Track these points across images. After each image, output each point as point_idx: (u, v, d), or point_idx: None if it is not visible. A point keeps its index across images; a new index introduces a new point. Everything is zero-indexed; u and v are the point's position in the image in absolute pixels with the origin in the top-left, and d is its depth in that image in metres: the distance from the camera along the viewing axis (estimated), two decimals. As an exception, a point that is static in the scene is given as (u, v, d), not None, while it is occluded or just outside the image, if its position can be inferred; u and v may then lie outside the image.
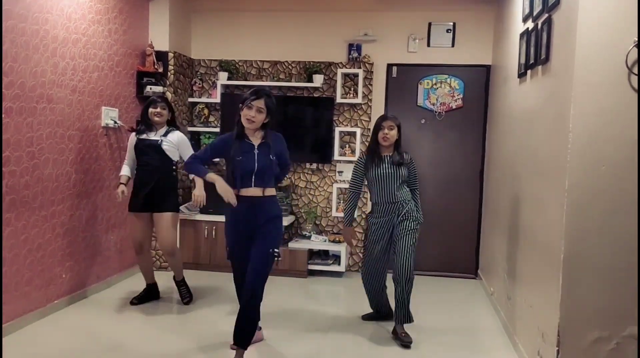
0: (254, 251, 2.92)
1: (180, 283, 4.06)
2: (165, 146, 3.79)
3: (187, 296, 4.03)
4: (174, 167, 3.87)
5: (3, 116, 3.18)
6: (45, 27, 3.51)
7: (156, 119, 3.80)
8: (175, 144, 3.83)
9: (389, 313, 3.71)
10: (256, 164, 2.94)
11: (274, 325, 3.58)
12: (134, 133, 3.88)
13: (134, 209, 3.85)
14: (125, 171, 3.90)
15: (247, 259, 2.94)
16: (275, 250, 2.95)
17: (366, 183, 3.60)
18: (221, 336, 3.32)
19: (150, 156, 3.78)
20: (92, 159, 4.07)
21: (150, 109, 3.80)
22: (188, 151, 3.81)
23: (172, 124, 3.91)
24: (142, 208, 3.81)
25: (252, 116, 2.90)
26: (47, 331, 3.41)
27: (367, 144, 5.12)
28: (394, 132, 3.46)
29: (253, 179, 2.95)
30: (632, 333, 2.47)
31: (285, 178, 3.41)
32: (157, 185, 3.78)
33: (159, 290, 4.10)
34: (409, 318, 3.43)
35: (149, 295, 4.02)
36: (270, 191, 3.02)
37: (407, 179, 3.53)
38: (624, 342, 2.48)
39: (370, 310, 3.81)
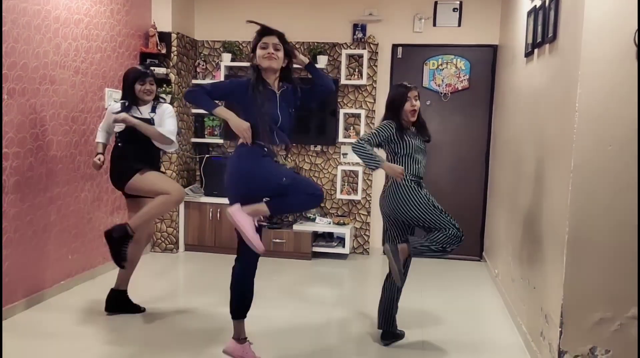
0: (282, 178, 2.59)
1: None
2: (156, 121, 3.30)
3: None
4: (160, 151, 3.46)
5: (6, 96, 3.17)
6: (47, 8, 3.48)
7: (146, 97, 3.30)
8: (159, 116, 3.31)
9: None
10: (280, 117, 2.61)
11: (279, 306, 3.61)
12: (117, 104, 3.36)
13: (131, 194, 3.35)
14: (101, 138, 3.44)
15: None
16: (284, 178, 2.60)
17: (392, 157, 3.06)
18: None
19: (141, 137, 3.24)
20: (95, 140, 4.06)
21: (138, 86, 3.27)
22: (170, 125, 3.29)
23: (156, 100, 3.40)
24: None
25: (271, 52, 2.58)
26: (55, 311, 3.45)
27: (371, 126, 5.08)
28: (419, 103, 3.03)
29: (275, 134, 2.59)
30: (636, 314, 2.46)
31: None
32: (151, 161, 3.37)
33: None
34: None
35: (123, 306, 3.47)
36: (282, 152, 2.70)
37: None
38: (627, 322, 2.47)
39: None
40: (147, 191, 3.25)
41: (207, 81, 5.25)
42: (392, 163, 3.02)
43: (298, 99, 2.75)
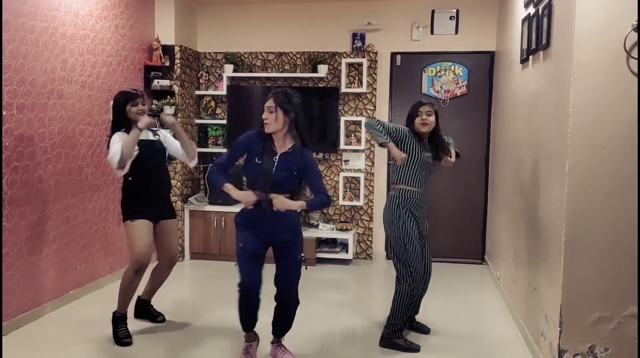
0: (281, 263, 2.84)
1: (149, 303, 3.56)
2: (163, 142, 3.32)
3: (160, 313, 3.55)
4: (168, 169, 3.51)
5: (5, 112, 3.24)
6: (54, 24, 3.58)
7: (138, 118, 3.15)
8: (162, 138, 3.32)
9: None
10: (274, 173, 2.72)
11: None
12: (117, 135, 3.15)
13: (145, 217, 3.21)
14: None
15: (257, 250, 2.79)
16: (302, 254, 2.87)
17: (398, 166, 3.19)
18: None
19: (151, 157, 3.23)
20: (102, 153, 4.15)
21: (131, 108, 3.14)
22: (176, 143, 3.34)
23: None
24: (155, 217, 3.28)
25: (264, 117, 2.71)
26: (64, 321, 3.52)
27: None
28: (432, 119, 3.15)
29: (270, 189, 2.71)
30: (633, 312, 2.51)
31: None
32: (164, 190, 3.35)
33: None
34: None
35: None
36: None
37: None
38: (625, 321, 2.53)
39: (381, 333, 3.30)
40: (172, 237, 3.43)
41: (210, 92, 5.34)
42: (394, 167, 3.20)
43: (304, 162, 2.77)
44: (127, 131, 3.12)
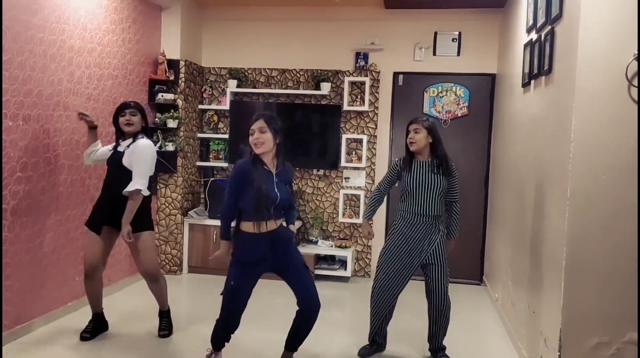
0: (293, 275, 2.89)
1: (163, 314, 3.56)
2: (125, 161, 3.24)
3: (165, 328, 3.52)
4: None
5: (22, 123, 3.29)
6: (62, 37, 3.62)
7: (126, 129, 3.28)
8: (129, 156, 3.24)
9: (383, 344, 3.40)
10: (278, 194, 2.80)
11: (280, 328, 3.65)
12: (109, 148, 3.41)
13: (92, 226, 3.33)
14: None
15: (248, 292, 2.87)
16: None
17: (400, 190, 3.27)
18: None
19: (113, 170, 3.29)
20: (104, 166, 4.16)
21: (120, 118, 3.29)
22: (137, 168, 3.18)
23: (144, 132, 3.38)
24: (104, 223, 3.32)
25: (256, 138, 2.76)
26: (61, 332, 3.50)
27: (373, 151, 5.21)
28: (421, 136, 3.14)
29: (272, 210, 2.79)
30: (632, 338, 2.52)
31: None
32: (118, 202, 3.23)
33: (106, 320, 3.55)
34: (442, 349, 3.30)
35: (98, 326, 3.47)
36: (279, 223, 2.90)
37: (445, 191, 3.17)
38: (624, 347, 2.53)
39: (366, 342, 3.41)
40: (143, 251, 3.41)
41: (213, 106, 5.38)
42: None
43: (291, 174, 3.01)
44: (117, 142, 3.35)
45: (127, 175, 3.21)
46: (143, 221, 3.33)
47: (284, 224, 2.98)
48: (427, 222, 3.16)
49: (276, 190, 2.80)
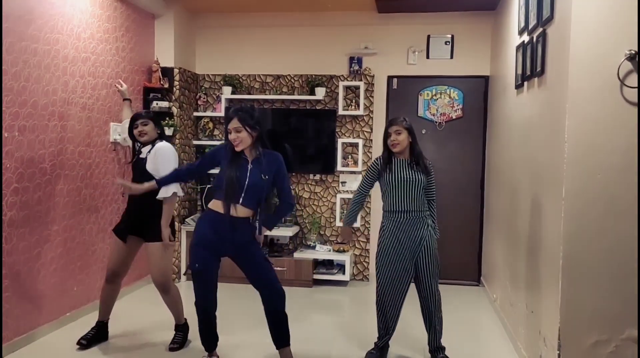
0: (250, 265, 2.96)
1: (179, 328, 3.50)
2: (149, 166, 3.29)
3: (176, 343, 3.44)
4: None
5: (17, 133, 3.29)
6: (56, 47, 3.62)
7: (141, 139, 3.34)
8: (152, 159, 3.28)
9: (387, 347, 3.37)
10: (247, 180, 2.86)
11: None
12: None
13: (119, 234, 3.40)
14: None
15: (213, 275, 2.95)
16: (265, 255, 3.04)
17: (381, 190, 3.34)
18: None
19: (137, 177, 3.33)
20: (101, 174, 4.17)
21: (134, 131, 3.35)
22: (166, 166, 3.24)
23: (161, 138, 3.41)
24: (130, 232, 3.37)
25: (234, 138, 2.82)
26: (60, 343, 3.48)
27: (369, 155, 5.23)
28: (403, 137, 3.19)
29: (242, 196, 2.87)
30: (631, 336, 2.54)
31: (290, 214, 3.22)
32: (143, 211, 3.30)
33: (108, 330, 3.56)
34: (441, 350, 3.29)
35: (99, 334, 3.47)
36: (248, 213, 2.91)
37: (425, 186, 3.25)
38: (622, 344, 2.55)
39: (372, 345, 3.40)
40: (154, 260, 3.41)
41: (208, 113, 5.39)
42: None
43: (275, 167, 2.94)
44: (138, 151, 3.38)
45: (151, 180, 3.22)
46: (155, 230, 3.28)
47: (257, 223, 2.99)
48: (413, 217, 3.20)
49: (248, 177, 2.85)
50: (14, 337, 3.30)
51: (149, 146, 3.34)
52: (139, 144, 3.39)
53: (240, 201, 2.86)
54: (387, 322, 3.25)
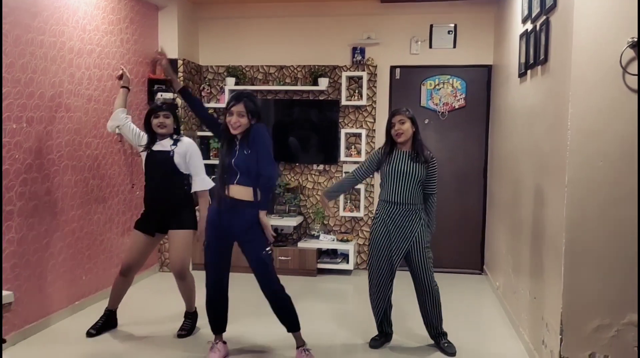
0: (249, 260, 3.02)
1: (188, 315, 3.58)
2: (176, 159, 3.35)
3: (185, 329, 3.51)
4: (185, 182, 3.42)
5: (25, 125, 3.33)
6: (62, 39, 3.65)
7: (160, 131, 3.37)
8: (182, 154, 3.37)
9: (390, 333, 3.46)
10: (233, 159, 2.92)
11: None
12: (145, 138, 3.48)
13: (141, 228, 3.45)
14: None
15: (221, 257, 3.05)
16: (267, 249, 2.99)
17: (380, 178, 3.36)
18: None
19: (162, 172, 3.36)
20: (107, 165, 4.21)
21: (153, 120, 3.37)
22: (198, 167, 3.40)
23: (177, 133, 3.48)
24: (153, 229, 3.44)
25: (235, 121, 2.87)
26: (69, 331, 3.55)
27: (372, 145, 5.26)
28: (407, 126, 3.18)
29: (235, 177, 2.91)
30: (632, 320, 2.58)
31: (276, 186, 3.23)
32: (169, 204, 3.40)
33: (117, 318, 3.62)
34: (443, 335, 3.36)
35: (108, 323, 3.53)
36: (248, 195, 2.92)
37: (422, 180, 3.22)
38: (624, 329, 2.59)
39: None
40: (175, 247, 3.50)
41: (212, 104, 5.41)
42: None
43: (253, 134, 2.93)
44: (152, 142, 3.40)
45: (179, 177, 3.38)
46: (180, 219, 3.41)
47: (257, 202, 2.96)
48: (405, 210, 3.22)
49: (234, 156, 2.92)
50: (25, 325, 3.36)
51: (168, 140, 3.40)
52: (153, 136, 3.41)
53: (235, 181, 2.92)
54: (377, 307, 3.33)
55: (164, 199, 3.40)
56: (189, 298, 3.57)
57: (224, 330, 3.20)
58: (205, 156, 5.44)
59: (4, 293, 2.64)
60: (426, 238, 3.27)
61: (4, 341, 2.72)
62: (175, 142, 3.41)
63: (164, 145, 3.40)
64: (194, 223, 3.47)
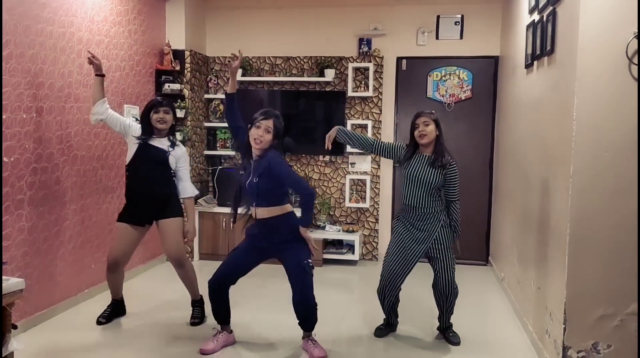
0: (288, 268, 3.00)
1: (196, 303, 3.61)
2: (170, 159, 3.42)
3: (197, 317, 3.55)
4: (172, 174, 3.46)
5: (35, 115, 3.37)
6: (71, 30, 3.68)
7: (159, 126, 3.38)
8: (176, 158, 3.45)
9: (396, 324, 3.49)
10: (250, 180, 2.90)
11: (290, 311, 3.75)
12: (138, 129, 3.44)
13: (126, 220, 3.43)
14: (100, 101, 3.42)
15: (241, 265, 3.07)
16: (309, 260, 2.98)
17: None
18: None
19: (154, 166, 3.39)
20: (116, 155, 4.25)
21: (153, 115, 3.37)
22: (187, 174, 3.51)
23: (172, 131, 3.51)
24: (139, 220, 3.44)
25: (260, 134, 2.86)
26: (79, 318, 3.61)
27: (378, 136, 5.27)
28: (431, 128, 3.13)
29: (254, 198, 2.94)
30: (636, 310, 2.60)
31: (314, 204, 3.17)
32: (160, 194, 3.43)
33: (125, 305, 3.69)
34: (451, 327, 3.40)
35: (116, 311, 3.60)
36: (277, 211, 2.94)
37: (440, 186, 3.15)
38: (627, 318, 2.61)
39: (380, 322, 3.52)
40: (170, 236, 3.53)
41: (219, 95, 5.44)
42: None
43: (267, 162, 2.89)
44: (149, 137, 3.39)
45: (168, 171, 3.43)
46: (171, 207, 3.45)
47: (293, 215, 3.02)
48: (422, 213, 3.17)
49: (253, 179, 2.90)
50: (35, 312, 3.42)
51: (166, 141, 3.43)
52: (149, 130, 3.39)
53: (255, 204, 2.96)
54: (384, 301, 3.33)
55: (154, 190, 3.40)
56: (192, 286, 3.58)
57: (228, 323, 3.22)
58: (212, 147, 5.50)
59: (16, 280, 2.69)
60: (449, 240, 3.20)
61: (15, 327, 2.77)
62: (173, 145, 3.45)
63: (161, 143, 3.41)
64: (182, 211, 3.53)
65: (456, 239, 3.27)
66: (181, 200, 3.51)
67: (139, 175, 3.41)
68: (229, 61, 3.25)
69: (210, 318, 3.59)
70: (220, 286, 3.09)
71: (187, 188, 3.51)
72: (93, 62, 3.36)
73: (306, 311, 3.04)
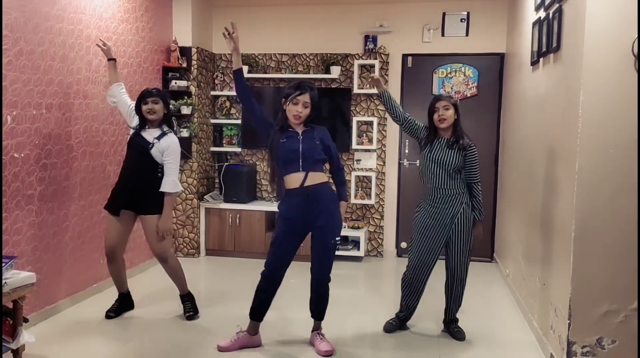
0: (317, 245, 3.04)
1: (185, 298, 3.62)
2: (153, 151, 3.35)
3: (190, 311, 3.59)
4: (159, 169, 3.40)
5: (44, 111, 3.41)
6: (80, 27, 3.72)
7: (149, 117, 3.35)
8: (161, 150, 3.36)
9: (407, 317, 3.50)
10: (301, 146, 2.92)
11: (296, 308, 3.78)
12: (136, 120, 3.43)
13: (111, 209, 3.45)
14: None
15: (289, 252, 3.04)
16: (337, 238, 3.04)
17: (419, 167, 3.38)
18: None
19: (137, 156, 3.38)
20: (124, 152, 4.25)
21: (142, 106, 3.34)
22: (172, 167, 3.38)
23: (167, 121, 3.48)
24: (123, 207, 3.43)
25: (299, 111, 2.88)
26: (88, 312, 3.65)
27: (384, 133, 5.29)
28: (451, 112, 3.15)
29: (300, 163, 2.92)
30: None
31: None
32: (139, 186, 3.40)
33: (132, 299, 3.71)
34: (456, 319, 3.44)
35: (123, 305, 3.63)
36: (323, 177, 2.98)
37: (460, 168, 3.20)
38: (632, 314, 2.62)
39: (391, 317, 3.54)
40: (153, 232, 3.49)
41: (225, 92, 5.47)
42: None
43: (322, 133, 3.04)
44: (142, 127, 3.39)
45: (152, 164, 3.36)
46: (153, 203, 3.40)
47: (332, 187, 3.07)
48: (445, 194, 3.21)
49: (300, 145, 2.93)
50: (45, 306, 3.47)
51: (157, 132, 3.38)
52: (142, 121, 3.38)
53: (300, 169, 2.93)
54: (409, 295, 3.35)
55: (133, 181, 3.40)
56: (179, 280, 3.58)
57: (261, 319, 3.16)
58: (219, 143, 5.53)
59: (27, 273, 2.74)
60: (470, 224, 3.24)
61: (27, 320, 2.81)
62: (160, 137, 3.37)
63: (151, 134, 3.38)
64: (161, 207, 3.44)
65: (478, 222, 3.32)
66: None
67: (124, 165, 3.49)
68: (227, 38, 3.26)
69: (206, 314, 3.62)
70: (275, 277, 3.05)
71: (166, 183, 3.36)
72: (102, 48, 3.54)
73: (323, 287, 3.11)
